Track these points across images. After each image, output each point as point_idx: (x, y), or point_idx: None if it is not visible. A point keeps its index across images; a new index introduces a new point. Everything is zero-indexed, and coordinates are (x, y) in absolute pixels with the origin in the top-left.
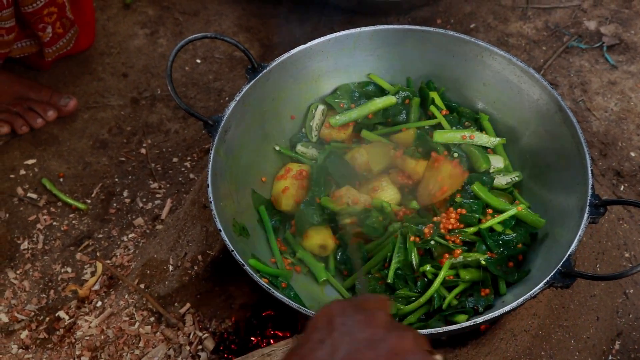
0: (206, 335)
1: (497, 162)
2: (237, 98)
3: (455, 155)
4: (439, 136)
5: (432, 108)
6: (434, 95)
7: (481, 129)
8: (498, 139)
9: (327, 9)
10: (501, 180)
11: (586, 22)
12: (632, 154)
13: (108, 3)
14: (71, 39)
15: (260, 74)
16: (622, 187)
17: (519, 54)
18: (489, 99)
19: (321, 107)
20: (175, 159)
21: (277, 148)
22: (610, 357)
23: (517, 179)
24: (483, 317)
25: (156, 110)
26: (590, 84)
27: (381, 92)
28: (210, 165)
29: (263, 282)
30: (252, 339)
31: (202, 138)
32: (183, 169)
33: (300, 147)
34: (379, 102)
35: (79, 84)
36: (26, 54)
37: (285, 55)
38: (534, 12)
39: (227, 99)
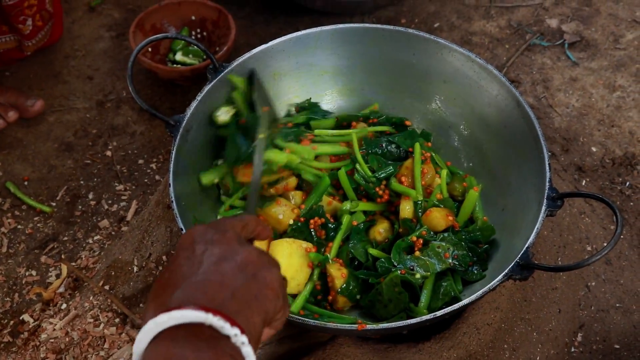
0: None
1: None
2: (199, 98)
3: None
4: None
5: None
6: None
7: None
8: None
9: (293, 10)
10: None
11: (548, 20)
12: (594, 149)
13: (73, 6)
14: (48, 32)
15: (222, 74)
16: (584, 181)
17: (482, 52)
18: (450, 95)
19: None
20: (140, 161)
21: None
22: (572, 349)
23: None
24: (443, 310)
25: (122, 112)
26: (552, 81)
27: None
28: (171, 165)
29: None
30: None
31: (168, 139)
32: (149, 171)
33: None
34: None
35: (43, 87)
36: (4, 49)
37: (246, 55)
38: (497, 11)
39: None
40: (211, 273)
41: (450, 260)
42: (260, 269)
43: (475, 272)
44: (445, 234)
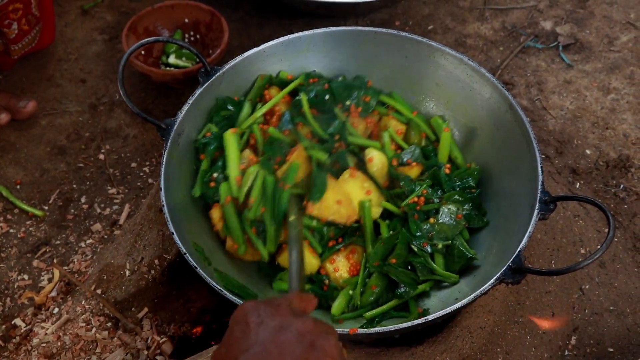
0: (164, 339)
1: None
2: (190, 101)
3: None
4: None
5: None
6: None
7: None
8: None
9: (286, 12)
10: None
11: (542, 22)
12: (588, 152)
13: (66, 9)
14: (36, 36)
15: (213, 77)
16: (578, 184)
17: (476, 54)
18: (442, 98)
19: None
20: (133, 164)
21: None
22: (566, 352)
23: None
24: (435, 314)
25: (115, 115)
26: (546, 83)
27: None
28: (162, 169)
29: (216, 284)
30: (212, 343)
31: (161, 143)
32: (142, 174)
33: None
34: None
35: (36, 90)
36: None
37: (238, 58)
38: (492, 13)
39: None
40: (268, 344)
41: (463, 222)
42: (318, 337)
43: (477, 217)
44: (447, 185)
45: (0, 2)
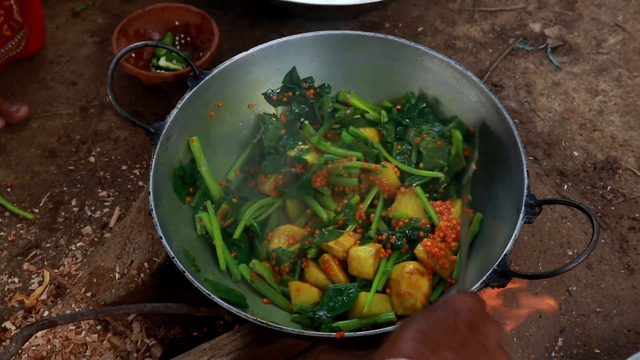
0: (154, 342)
1: None
2: (179, 105)
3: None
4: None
5: None
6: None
7: None
8: None
9: (277, 14)
10: None
11: (531, 24)
12: (575, 154)
13: (57, 11)
14: (20, 42)
15: (202, 81)
16: (566, 186)
17: (465, 56)
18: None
19: None
20: (124, 167)
21: None
22: (553, 354)
23: None
24: None
25: (105, 118)
26: (535, 85)
27: None
28: (151, 173)
29: (204, 288)
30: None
31: (152, 145)
32: (132, 177)
33: None
34: None
35: (27, 93)
36: None
37: (227, 62)
38: (481, 15)
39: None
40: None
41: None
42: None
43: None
44: None
45: None
